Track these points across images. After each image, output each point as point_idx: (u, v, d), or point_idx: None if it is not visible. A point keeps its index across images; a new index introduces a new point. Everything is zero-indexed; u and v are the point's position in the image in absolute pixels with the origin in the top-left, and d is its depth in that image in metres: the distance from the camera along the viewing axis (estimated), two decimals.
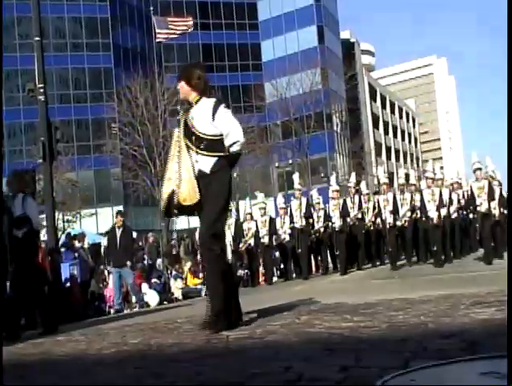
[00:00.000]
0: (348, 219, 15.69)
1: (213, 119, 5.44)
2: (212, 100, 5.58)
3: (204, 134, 5.48)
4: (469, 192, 14.00)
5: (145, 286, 14.85)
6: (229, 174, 5.58)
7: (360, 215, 16.16)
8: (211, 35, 62.28)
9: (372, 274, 14.53)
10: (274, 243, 17.18)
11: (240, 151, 5.64)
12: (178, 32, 30.53)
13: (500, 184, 14.41)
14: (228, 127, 5.45)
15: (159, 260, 18.57)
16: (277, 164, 52.92)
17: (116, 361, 4.58)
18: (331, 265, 17.96)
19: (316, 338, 4.30)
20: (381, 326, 4.46)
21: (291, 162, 50.37)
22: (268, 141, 54.74)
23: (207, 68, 6.05)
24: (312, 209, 16.58)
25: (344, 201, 15.85)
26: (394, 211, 14.96)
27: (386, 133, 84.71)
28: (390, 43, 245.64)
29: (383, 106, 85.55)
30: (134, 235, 16.32)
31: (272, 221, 16.89)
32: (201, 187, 5.41)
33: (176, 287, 16.84)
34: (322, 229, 16.87)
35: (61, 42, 55.11)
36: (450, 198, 14.92)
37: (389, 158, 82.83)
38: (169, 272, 18.58)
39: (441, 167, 19.62)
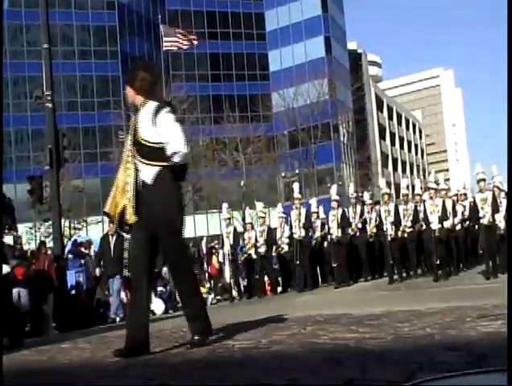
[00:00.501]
0: (349, 230, 15.41)
1: (154, 124, 4.99)
2: (155, 104, 5.11)
3: (146, 141, 5.04)
4: (473, 204, 13.67)
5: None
6: (174, 187, 5.11)
7: (360, 226, 15.80)
8: (218, 45, 62.44)
9: (377, 286, 14.39)
10: (274, 253, 16.72)
11: (184, 163, 5.08)
12: (183, 45, 30.73)
13: (506, 195, 13.73)
14: (168, 135, 4.94)
15: (165, 269, 18.52)
16: (283, 174, 52.91)
17: (120, 370, 4.56)
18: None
19: (322, 349, 4.28)
20: (387, 338, 4.45)
21: (297, 172, 50.40)
22: (275, 151, 54.83)
23: (152, 69, 5.57)
24: (312, 219, 16.10)
25: (344, 211, 15.45)
26: (396, 223, 14.59)
27: (393, 144, 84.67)
28: (396, 55, 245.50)
29: (390, 117, 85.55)
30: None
31: (270, 231, 16.56)
32: (144, 200, 5.03)
33: None
34: (320, 239, 16.41)
35: (69, 49, 55.39)
36: (454, 209, 14.55)
37: (395, 169, 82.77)
38: None
39: (446, 179, 19.36)
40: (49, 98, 14.80)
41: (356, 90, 63.31)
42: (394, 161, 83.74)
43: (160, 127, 4.96)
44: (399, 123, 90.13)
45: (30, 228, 36.46)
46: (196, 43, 31.65)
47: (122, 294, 14.27)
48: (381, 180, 17.70)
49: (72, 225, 37.34)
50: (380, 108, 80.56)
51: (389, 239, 14.55)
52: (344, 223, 15.08)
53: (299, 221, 15.19)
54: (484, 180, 13.26)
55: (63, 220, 19.36)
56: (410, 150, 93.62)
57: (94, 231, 40.05)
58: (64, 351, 6.35)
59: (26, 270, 12.24)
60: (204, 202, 50.09)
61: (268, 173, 49.60)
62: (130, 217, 5.01)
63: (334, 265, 15.12)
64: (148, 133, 5.02)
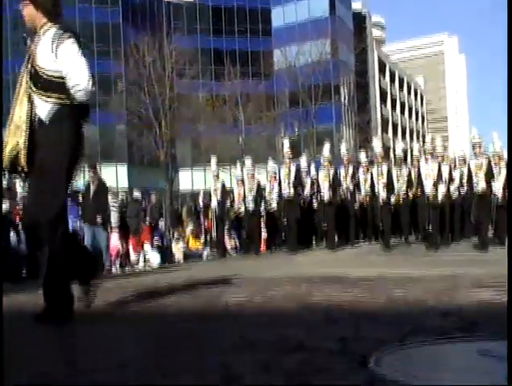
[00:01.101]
0: (340, 192, 14.77)
1: (55, 54, 4.25)
2: (58, 30, 4.32)
3: (43, 69, 4.29)
4: (467, 171, 13.10)
5: (147, 246, 14.92)
6: (74, 129, 4.35)
7: (352, 188, 15.25)
8: None
9: (371, 250, 14.08)
10: (263, 210, 16.09)
11: (87, 101, 4.34)
12: None
13: (507, 164, 13.04)
14: (68, 66, 4.23)
15: (162, 222, 18.59)
16: (283, 133, 52.72)
17: (113, 320, 4.60)
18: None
19: (316, 308, 4.32)
20: (381, 300, 4.49)
21: (297, 131, 50.21)
22: (275, 109, 54.48)
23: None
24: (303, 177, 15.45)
25: (336, 171, 14.71)
26: (388, 186, 13.87)
27: (394, 108, 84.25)
28: (401, 18, 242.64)
29: (392, 81, 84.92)
30: (126, 194, 16.33)
31: (260, 187, 15.85)
32: (39, 141, 4.27)
33: (178, 249, 16.89)
34: (308, 198, 15.68)
35: None
36: (450, 175, 13.93)
37: (395, 134, 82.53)
38: (171, 233, 18.64)
39: (445, 145, 18.77)
40: None
41: (359, 52, 62.70)
42: (394, 126, 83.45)
43: (61, 58, 4.24)
44: (401, 88, 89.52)
45: None
46: None
47: (119, 245, 14.37)
48: (375, 140, 16.34)
49: None
50: (382, 71, 79.91)
51: (380, 202, 13.89)
52: (335, 183, 14.44)
53: (289, 179, 14.50)
54: (479, 145, 12.58)
55: None
56: (410, 116, 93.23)
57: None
58: None
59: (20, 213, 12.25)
60: (201, 156, 49.96)
61: (267, 132, 49.39)
62: (22, 160, 4.24)
63: (324, 227, 14.71)
64: (46, 61, 4.28)
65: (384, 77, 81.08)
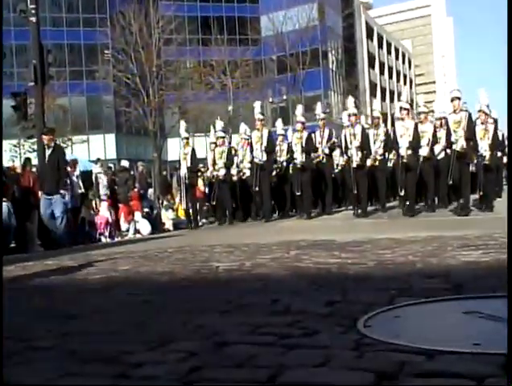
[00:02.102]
0: (313, 155, 13.68)
1: None
2: None
3: None
4: (446, 127, 11.95)
5: (137, 215, 14.89)
6: None
7: (327, 151, 14.15)
8: None
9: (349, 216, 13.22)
10: (235, 177, 14.91)
11: None
12: None
13: (495, 122, 12.30)
14: None
15: (151, 190, 18.53)
16: (271, 99, 52.42)
17: (105, 287, 4.63)
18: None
19: (304, 273, 4.36)
20: (369, 264, 4.53)
21: (285, 97, 49.96)
22: (262, 75, 54.16)
23: None
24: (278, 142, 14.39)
25: (309, 135, 13.60)
26: (363, 148, 12.66)
27: (382, 73, 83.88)
28: None
29: (380, 46, 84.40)
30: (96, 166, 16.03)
31: (230, 152, 14.85)
32: None
33: (167, 217, 16.87)
34: (284, 164, 14.44)
35: None
36: (435, 136, 12.89)
37: (383, 98, 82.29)
38: (160, 202, 18.58)
39: (426, 102, 17.51)
40: (33, 12, 14.41)
41: (346, 17, 62.26)
42: (383, 90, 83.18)
43: None
44: (389, 52, 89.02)
45: (15, 146, 36.13)
46: None
47: (107, 213, 14.34)
48: (349, 99, 14.56)
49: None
50: (370, 36, 79.35)
51: (354, 165, 12.54)
52: (308, 147, 13.32)
53: (261, 144, 13.51)
54: (458, 98, 11.27)
55: None
56: (398, 80, 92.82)
57: (79, 150, 39.85)
58: (49, 268, 6.41)
59: (12, 186, 12.22)
60: (189, 124, 49.72)
61: (255, 98, 48.85)
62: None
63: (297, 194, 13.46)
64: None
65: (372, 41, 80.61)
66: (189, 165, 14.04)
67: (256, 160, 13.51)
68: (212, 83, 46.11)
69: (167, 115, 45.22)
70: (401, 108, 12.26)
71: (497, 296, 2.94)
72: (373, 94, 73.34)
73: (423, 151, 12.28)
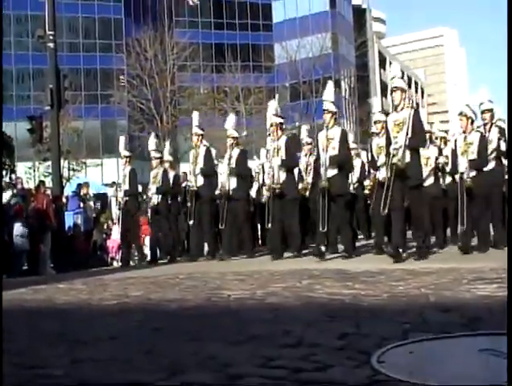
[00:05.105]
0: (300, 186, 11.45)
1: None
2: None
3: None
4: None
5: (147, 240, 14.88)
6: None
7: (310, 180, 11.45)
8: None
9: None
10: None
11: None
12: None
13: (500, 133, 9.60)
14: None
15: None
16: (284, 126, 52.59)
17: (117, 313, 4.63)
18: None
19: (317, 304, 4.33)
20: (382, 296, 4.49)
21: (297, 124, 50.14)
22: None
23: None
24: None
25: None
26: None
27: None
28: (401, 12, 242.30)
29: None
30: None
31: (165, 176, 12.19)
32: None
33: None
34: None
35: None
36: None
37: None
38: None
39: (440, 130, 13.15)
40: (51, 38, 14.62)
41: (359, 46, 62.69)
42: None
43: None
44: None
45: (30, 168, 36.40)
46: (193, 3, 31.65)
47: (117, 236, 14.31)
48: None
49: (71, 167, 37.22)
50: (383, 65, 79.77)
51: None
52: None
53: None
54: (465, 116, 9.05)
55: (62, 161, 19.32)
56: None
57: (93, 173, 40.05)
58: (61, 292, 6.42)
59: (25, 209, 12.30)
60: None
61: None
62: None
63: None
64: None
65: (384, 70, 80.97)
66: (127, 188, 11.96)
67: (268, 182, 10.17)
68: (225, 109, 46.40)
69: (180, 140, 45.50)
70: (375, 122, 10.28)
71: None
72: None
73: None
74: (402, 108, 8.03)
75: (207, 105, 46.43)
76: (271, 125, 10.49)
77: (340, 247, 9.54)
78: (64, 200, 14.28)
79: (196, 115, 12.08)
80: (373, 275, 5.89)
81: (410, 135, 7.75)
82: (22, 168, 34.43)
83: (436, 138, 11.63)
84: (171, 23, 49.43)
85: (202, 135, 11.35)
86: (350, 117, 60.10)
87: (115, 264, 13.84)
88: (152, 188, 12.09)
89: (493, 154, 9.19)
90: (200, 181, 10.93)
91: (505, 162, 9.46)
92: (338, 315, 3.80)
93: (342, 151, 8.88)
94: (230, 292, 5.24)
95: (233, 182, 10.64)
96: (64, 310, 5.04)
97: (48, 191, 13.59)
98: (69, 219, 14.21)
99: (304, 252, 10.12)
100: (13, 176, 19.23)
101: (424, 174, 9.71)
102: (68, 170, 36.22)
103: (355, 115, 59.82)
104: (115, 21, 54.77)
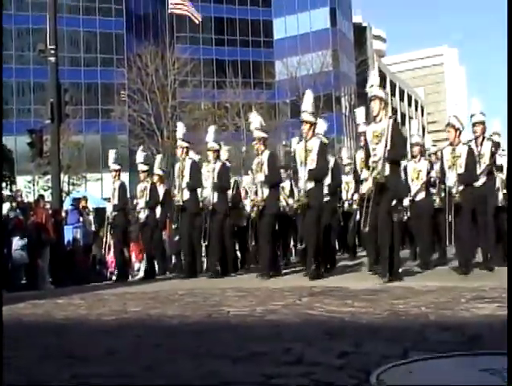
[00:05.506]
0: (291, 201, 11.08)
1: None
2: None
3: None
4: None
5: None
6: None
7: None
8: (223, 9, 61.85)
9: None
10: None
11: None
12: (187, 12, 31.08)
13: (494, 147, 9.22)
14: None
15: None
16: (284, 142, 52.71)
17: (115, 329, 4.62)
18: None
19: (317, 321, 4.32)
20: (382, 314, 4.48)
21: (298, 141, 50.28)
22: (276, 118, 54.62)
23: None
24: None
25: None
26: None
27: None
28: (402, 31, 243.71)
29: (392, 93, 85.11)
30: None
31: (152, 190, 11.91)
32: None
33: None
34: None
35: (74, 4, 54.59)
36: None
37: None
38: None
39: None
40: (52, 52, 14.68)
41: (359, 63, 63.02)
42: None
43: None
44: (401, 99, 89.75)
45: (29, 182, 36.47)
46: (197, 22, 31.88)
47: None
48: (343, 150, 12.22)
49: (70, 181, 37.28)
50: (382, 83, 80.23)
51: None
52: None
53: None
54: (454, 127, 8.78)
55: (62, 175, 19.34)
56: (410, 127, 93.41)
57: (93, 187, 40.07)
58: (60, 307, 6.41)
59: (25, 222, 12.29)
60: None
61: (269, 140, 49.33)
62: None
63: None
64: None
65: (385, 88, 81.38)
66: (116, 202, 11.59)
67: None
68: (225, 124, 46.54)
69: None
70: (360, 134, 9.63)
71: None
72: None
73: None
74: (381, 119, 7.66)
75: (207, 121, 46.63)
76: (254, 140, 10.10)
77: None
78: (63, 214, 14.27)
79: (180, 126, 11.57)
80: (373, 293, 5.87)
81: (389, 147, 7.34)
82: (21, 182, 34.50)
83: (430, 155, 11.46)
84: (172, 39, 49.66)
85: (187, 148, 10.89)
86: (350, 134, 60.32)
87: (114, 278, 13.82)
88: (140, 202, 11.78)
89: (486, 170, 8.89)
90: (186, 195, 10.46)
91: (501, 176, 9.25)
92: (338, 333, 3.80)
93: (320, 164, 8.59)
94: (230, 308, 5.23)
95: (215, 197, 10.24)
96: (63, 326, 5.03)
97: (48, 205, 13.59)
98: (68, 234, 14.20)
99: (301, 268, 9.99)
100: (13, 187, 19.26)
101: (415, 189, 10.08)
102: (68, 184, 36.28)
103: (355, 132, 60.00)
104: (116, 35, 55.06)
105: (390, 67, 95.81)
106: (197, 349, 3.48)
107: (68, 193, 32.25)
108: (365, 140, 7.86)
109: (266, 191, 9.38)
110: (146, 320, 4.93)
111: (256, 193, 9.75)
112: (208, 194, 10.28)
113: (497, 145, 9.41)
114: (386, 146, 7.33)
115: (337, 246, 13.30)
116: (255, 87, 53.63)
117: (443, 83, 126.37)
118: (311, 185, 8.47)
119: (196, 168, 10.61)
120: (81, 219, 13.79)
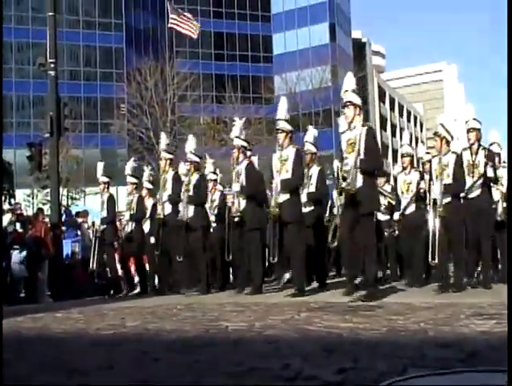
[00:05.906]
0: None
1: None
2: None
3: None
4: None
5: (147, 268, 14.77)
6: None
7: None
8: (223, 24, 62.16)
9: None
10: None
11: None
12: (185, 30, 31.22)
13: (487, 157, 8.85)
14: None
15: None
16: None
17: (113, 343, 4.60)
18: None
19: (315, 337, 4.31)
20: (381, 330, 4.47)
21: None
22: (275, 133, 54.78)
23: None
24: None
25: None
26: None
27: (393, 135, 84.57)
28: (401, 47, 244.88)
29: (391, 108, 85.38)
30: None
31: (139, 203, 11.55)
32: None
33: None
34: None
35: (74, 18, 54.89)
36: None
37: (395, 160, 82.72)
38: None
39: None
40: (52, 66, 14.75)
41: (359, 79, 63.35)
42: (394, 152, 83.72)
43: None
44: (401, 115, 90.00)
45: (28, 195, 36.45)
46: (195, 36, 32.03)
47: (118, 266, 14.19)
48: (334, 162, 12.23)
49: (69, 195, 37.25)
50: (382, 98, 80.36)
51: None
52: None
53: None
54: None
55: (61, 189, 19.33)
56: (410, 143, 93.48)
57: (92, 201, 40.03)
58: (58, 321, 6.40)
59: (23, 236, 12.29)
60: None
61: (268, 155, 49.40)
62: None
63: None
64: None
65: (384, 104, 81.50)
66: (105, 215, 11.35)
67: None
68: (225, 139, 46.63)
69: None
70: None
71: None
72: (384, 156, 73.85)
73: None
74: (356, 126, 7.23)
75: (206, 135, 46.70)
76: (233, 148, 9.77)
77: None
78: (62, 228, 14.27)
79: (163, 137, 11.28)
80: (372, 309, 5.86)
81: (361, 156, 6.92)
82: (21, 195, 34.48)
83: (423, 164, 11.02)
84: (171, 53, 49.92)
85: (171, 159, 10.55)
86: None
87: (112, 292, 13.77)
88: (126, 215, 11.48)
89: (480, 181, 8.56)
90: (168, 209, 10.06)
91: (502, 188, 9.07)
92: (336, 349, 3.79)
93: (296, 174, 8.21)
94: (228, 323, 5.22)
95: (190, 211, 9.66)
96: (61, 339, 5.02)
97: (47, 219, 13.59)
98: (67, 247, 14.20)
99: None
100: (12, 200, 19.25)
101: (405, 202, 9.84)
102: (67, 198, 36.25)
103: None
104: (116, 50, 55.32)
105: (389, 82, 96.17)
106: (195, 364, 3.47)
107: (68, 207, 32.25)
108: (340, 148, 7.49)
109: (243, 203, 9.04)
110: (144, 334, 4.92)
111: (232, 204, 9.42)
112: (182, 208, 9.74)
113: (494, 155, 9.12)
114: (358, 155, 6.92)
115: (333, 260, 13.02)
116: (254, 102, 53.80)
117: (442, 99, 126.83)
118: (284, 196, 8.09)
119: (179, 180, 10.19)
120: (80, 233, 13.77)
